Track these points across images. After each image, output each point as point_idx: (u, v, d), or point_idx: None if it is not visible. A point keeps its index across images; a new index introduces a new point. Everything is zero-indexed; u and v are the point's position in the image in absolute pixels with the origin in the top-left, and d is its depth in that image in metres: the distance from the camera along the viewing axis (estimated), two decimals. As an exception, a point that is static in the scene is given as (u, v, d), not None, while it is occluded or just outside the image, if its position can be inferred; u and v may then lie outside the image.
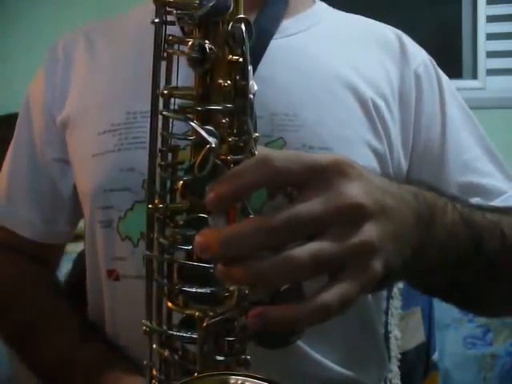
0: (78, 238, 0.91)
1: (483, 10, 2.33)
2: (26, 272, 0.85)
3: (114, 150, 0.72)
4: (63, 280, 0.95)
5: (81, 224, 0.86)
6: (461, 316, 1.72)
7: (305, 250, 0.42)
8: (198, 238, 0.43)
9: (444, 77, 0.82)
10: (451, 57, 2.21)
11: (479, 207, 0.62)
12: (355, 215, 0.44)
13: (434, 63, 0.82)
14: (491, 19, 2.33)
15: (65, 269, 0.97)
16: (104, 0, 2.37)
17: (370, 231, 0.44)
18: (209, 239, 0.43)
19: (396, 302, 1.08)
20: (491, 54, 2.33)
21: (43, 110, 0.82)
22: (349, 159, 0.46)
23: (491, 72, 2.33)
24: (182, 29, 0.52)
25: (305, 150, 0.69)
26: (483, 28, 2.33)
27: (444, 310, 1.66)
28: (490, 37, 2.34)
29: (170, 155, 0.51)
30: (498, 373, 1.68)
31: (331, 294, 0.42)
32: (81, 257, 0.93)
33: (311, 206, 0.43)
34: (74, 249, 0.97)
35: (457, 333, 1.72)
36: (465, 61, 2.34)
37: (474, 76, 2.34)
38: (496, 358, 1.69)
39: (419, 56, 0.81)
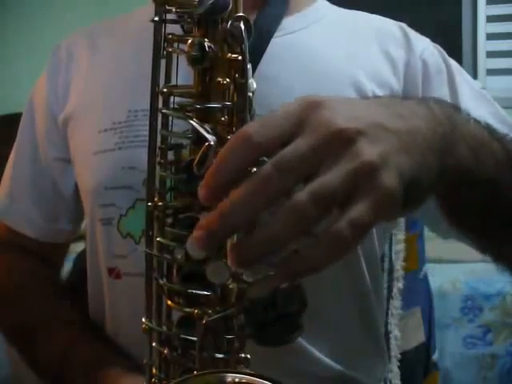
0: (78, 238, 0.91)
1: (483, 10, 2.33)
2: (27, 271, 0.85)
3: (115, 149, 0.73)
4: (63, 280, 0.95)
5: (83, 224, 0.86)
6: (461, 316, 1.72)
7: (304, 192, 0.40)
8: (195, 233, 0.40)
9: (452, 61, 0.81)
10: (451, 57, 2.19)
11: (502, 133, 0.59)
12: (339, 141, 0.41)
13: (440, 49, 0.82)
14: (491, 19, 2.33)
15: (65, 269, 0.97)
16: (106, 2, 2.38)
17: (365, 151, 0.41)
18: (209, 224, 0.40)
19: (396, 302, 1.08)
20: (491, 54, 2.33)
21: (46, 110, 0.82)
22: (319, 95, 0.44)
23: (491, 72, 2.33)
24: (183, 27, 0.52)
25: None
26: (483, 28, 2.33)
27: (444, 310, 1.66)
28: (490, 37, 2.34)
29: (169, 153, 0.51)
30: (498, 373, 1.68)
31: (341, 223, 0.40)
32: (81, 257, 0.93)
33: (295, 146, 0.41)
34: (74, 249, 0.97)
35: (457, 333, 1.72)
36: (465, 61, 2.33)
37: (474, 76, 2.34)
38: (496, 358, 1.68)
39: (423, 42, 0.81)
